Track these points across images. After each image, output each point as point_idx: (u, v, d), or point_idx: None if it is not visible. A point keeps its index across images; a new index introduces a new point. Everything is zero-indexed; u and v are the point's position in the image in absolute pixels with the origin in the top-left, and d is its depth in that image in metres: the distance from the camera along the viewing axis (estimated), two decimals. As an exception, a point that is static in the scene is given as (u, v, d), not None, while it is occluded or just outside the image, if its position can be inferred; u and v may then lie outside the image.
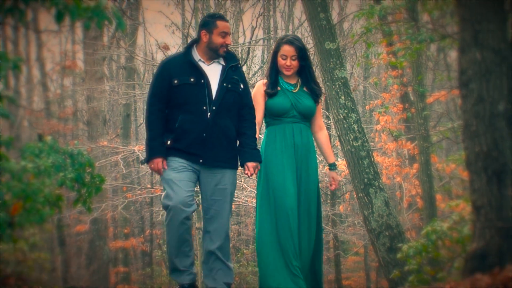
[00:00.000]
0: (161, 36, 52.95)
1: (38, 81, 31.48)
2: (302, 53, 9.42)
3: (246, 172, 9.13)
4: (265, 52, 32.01)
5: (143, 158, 9.45)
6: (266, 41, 32.01)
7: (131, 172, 24.98)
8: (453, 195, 22.65)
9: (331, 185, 9.75)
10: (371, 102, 31.13)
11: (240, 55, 28.14)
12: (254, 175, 9.36)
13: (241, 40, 31.32)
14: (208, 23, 8.98)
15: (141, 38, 32.38)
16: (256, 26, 31.96)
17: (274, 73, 9.56)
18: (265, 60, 31.89)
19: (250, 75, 30.42)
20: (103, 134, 27.04)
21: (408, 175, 25.89)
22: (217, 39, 8.91)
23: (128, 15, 27.95)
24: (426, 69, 23.69)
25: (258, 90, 9.56)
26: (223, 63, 9.08)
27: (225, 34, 8.91)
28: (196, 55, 9.02)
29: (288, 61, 9.40)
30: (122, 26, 8.21)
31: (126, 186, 26.29)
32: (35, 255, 14.46)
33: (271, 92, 9.46)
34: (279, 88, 9.56)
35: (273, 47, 10.20)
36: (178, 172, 8.81)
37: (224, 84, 8.92)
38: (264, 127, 9.91)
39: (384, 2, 18.23)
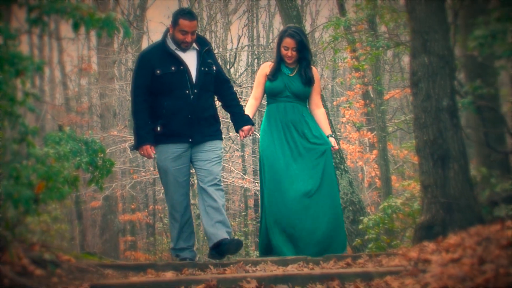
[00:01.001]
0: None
1: (59, 81, 31.45)
2: (302, 45, 9.16)
3: (241, 135, 8.98)
4: (249, 57, 31.94)
5: (132, 145, 9.09)
6: (250, 47, 31.98)
7: (137, 157, 24.96)
8: (406, 176, 22.69)
9: (333, 147, 9.40)
10: (338, 98, 31.26)
11: (228, 59, 28.25)
12: (248, 136, 9.28)
13: (229, 47, 31.30)
14: (173, 18, 8.61)
15: (145, 44, 32.30)
16: (241, 35, 31.97)
17: (278, 61, 9.32)
18: (249, 63, 31.84)
19: (237, 76, 30.39)
20: (113, 125, 27.01)
21: (369, 160, 25.96)
22: (178, 35, 8.52)
23: (134, 25, 27.89)
24: (384, 71, 23.71)
25: (261, 71, 9.43)
26: (197, 47, 8.72)
27: (185, 33, 8.47)
28: (172, 44, 8.63)
29: (289, 51, 9.16)
30: (129, 34, 8.22)
31: (133, 169, 26.33)
32: (57, 226, 14.42)
33: (271, 78, 9.27)
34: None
35: (276, 38, 9.96)
36: (173, 160, 8.59)
37: (202, 68, 8.55)
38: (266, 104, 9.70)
39: (349, 15, 18.21)
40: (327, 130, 9.40)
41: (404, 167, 23.72)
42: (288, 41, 9.14)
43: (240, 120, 8.99)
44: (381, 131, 21.79)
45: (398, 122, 21.72)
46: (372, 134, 24.00)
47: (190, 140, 8.55)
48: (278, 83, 9.20)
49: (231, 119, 9.03)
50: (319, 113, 9.42)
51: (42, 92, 28.31)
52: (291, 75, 9.23)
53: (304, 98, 9.34)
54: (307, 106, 9.42)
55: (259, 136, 9.59)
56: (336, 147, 9.54)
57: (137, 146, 8.56)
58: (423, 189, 11.37)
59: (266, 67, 9.40)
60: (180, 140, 8.53)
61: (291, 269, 9.23)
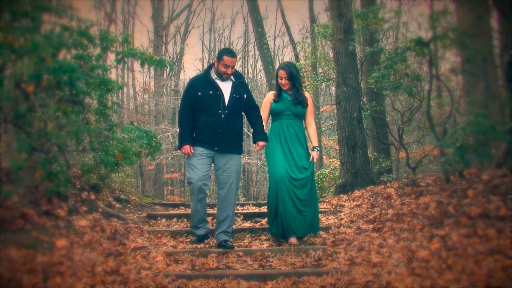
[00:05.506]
0: (193, 73, 52.43)
1: (132, 96, 31.32)
2: (291, 75, 7.83)
3: (256, 148, 7.65)
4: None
5: (176, 146, 7.70)
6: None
7: (175, 141, 24.85)
8: (331, 156, 22.71)
9: (312, 158, 7.88)
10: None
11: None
12: (261, 150, 7.75)
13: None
14: (219, 55, 7.42)
15: (182, 75, 32.17)
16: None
17: (278, 88, 7.95)
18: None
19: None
20: (162, 122, 26.88)
21: (309, 147, 25.96)
22: (221, 68, 7.37)
23: (176, 64, 27.84)
24: (320, 94, 23.71)
25: (267, 98, 8.05)
26: (233, 79, 7.54)
27: (227, 66, 7.36)
28: (213, 74, 7.45)
29: (283, 80, 7.83)
30: (172, 69, 8.30)
31: (172, 147, 26.33)
32: (128, 179, 14.40)
33: (276, 100, 7.88)
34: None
35: (274, 71, 8.72)
36: (198, 159, 7.34)
37: (234, 95, 7.41)
38: (270, 122, 8.32)
39: (301, 61, 18.22)
40: (313, 143, 8.05)
41: (330, 151, 23.74)
42: (281, 72, 7.87)
43: (260, 135, 7.57)
44: (318, 129, 21.80)
45: (328, 125, 21.72)
46: (313, 131, 23.97)
47: (215, 148, 7.35)
48: (281, 104, 7.88)
49: (253, 133, 7.70)
50: (310, 129, 8.05)
51: (122, 102, 28.22)
52: (290, 99, 7.90)
53: (300, 116, 7.96)
54: (303, 123, 8.07)
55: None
56: (315, 159, 7.93)
57: (180, 146, 7.38)
58: (341, 164, 11.46)
59: (270, 95, 8.04)
60: (208, 146, 7.35)
61: (264, 209, 9.27)
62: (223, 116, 7.30)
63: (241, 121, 7.59)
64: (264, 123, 7.84)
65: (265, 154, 7.89)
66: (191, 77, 7.72)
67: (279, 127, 7.86)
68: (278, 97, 7.87)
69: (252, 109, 7.66)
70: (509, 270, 5.10)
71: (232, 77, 7.58)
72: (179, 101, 8.06)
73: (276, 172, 7.67)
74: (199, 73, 7.79)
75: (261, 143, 7.55)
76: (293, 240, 7.53)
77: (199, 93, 7.33)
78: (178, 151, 7.53)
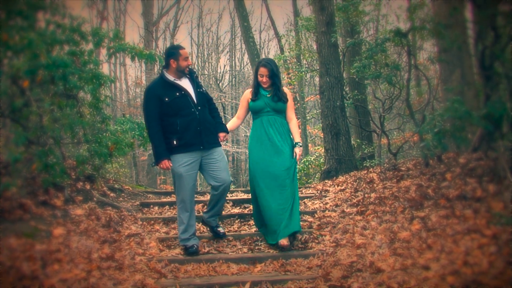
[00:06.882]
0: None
1: (125, 89, 31.18)
2: (273, 73, 7.25)
3: (220, 140, 7.13)
4: (230, 76, 31.74)
5: (153, 162, 6.97)
6: (230, 71, 31.78)
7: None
8: (316, 144, 22.74)
9: (295, 155, 7.27)
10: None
11: (218, 77, 28.07)
12: (224, 141, 7.25)
13: (219, 70, 31.19)
14: (174, 53, 6.82)
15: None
16: (225, 64, 31.96)
17: (256, 85, 7.35)
18: (230, 80, 31.66)
19: (223, 87, 30.25)
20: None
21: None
22: (183, 63, 6.81)
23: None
24: (304, 84, 23.69)
25: (244, 96, 7.53)
26: (188, 76, 6.94)
27: (187, 58, 6.86)
28: (170, 76, 6.84)
29: (264, 78, 7.21)
30: (162, 62, 8.11)
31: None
32: (122, 170, 14.36)
33: (254, 99, 7.31)
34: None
35: (254, 67, 7.90)
36: (187, 168, 6.78)
37: (198, 90, 6.93)
38: (252, 120, 7.69)
39: (286, 53, 18.21)
40: (295, 139, 7.38)
41: (315, 139, 23.76)
42: (262, 70, 7.27)
43: (219, 128, 7.15)
44: (303, 118, 21.81)
45: (313, 114, 21.71)
46: (298, 120, 23.98)
47: (201, 147, 6.83)
48: (260, 102, 7.29)
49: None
50: (291, 125, 7.42)
51: (114, 95, 28.08)
52: (269, 95, 7.29)
53: (281, 112, 7.35)
54: (285, 118, 7.43)
55: (248, 142, 7.59)
56: (298, 155, 7.34)
57: (157, 162, 6.80)
58: (325, 151, 11.49)
59: (248, 93, 7.52)
60: (193, 148, 6.82)
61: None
62: (197, 113, 6.82)
63: (208, 112, 7.13)
64: (239, 122, 7.59)
65: (248, 149, 7.44)
66: (145, 87, 7.09)
67: (260, 124, 7.36)
68: (255, 96, 7.36)
69: (209, 101, 7.23)
70: (485, 248, 5.16)
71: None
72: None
73: (261, 169, 7.20)
74: (153, 80, 7.02)
75: (221, 135, 7.13)
76: (283, 241, 6.93)
77: (166, 99, 6.74)
78: (156, 166, 6.94)
